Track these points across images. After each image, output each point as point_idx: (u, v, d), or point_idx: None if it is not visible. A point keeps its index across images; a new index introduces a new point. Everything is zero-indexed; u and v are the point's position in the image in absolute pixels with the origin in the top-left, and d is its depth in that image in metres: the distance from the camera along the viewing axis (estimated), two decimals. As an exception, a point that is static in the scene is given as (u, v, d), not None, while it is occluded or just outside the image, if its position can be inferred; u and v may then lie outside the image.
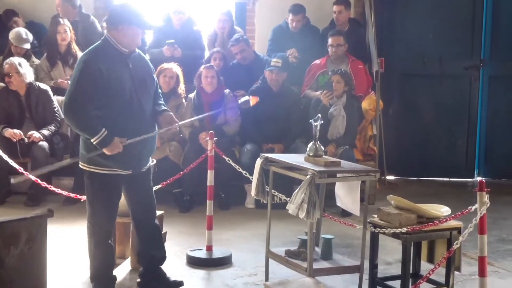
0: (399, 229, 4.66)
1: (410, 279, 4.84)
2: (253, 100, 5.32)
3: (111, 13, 4.78)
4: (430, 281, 4.76)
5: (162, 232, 5.68)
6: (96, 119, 4.51)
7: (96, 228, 4.75)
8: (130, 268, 5.49)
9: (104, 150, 4.52)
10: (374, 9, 8.55)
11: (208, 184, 5.90)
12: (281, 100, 7.73)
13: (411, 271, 4.89)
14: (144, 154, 4.81)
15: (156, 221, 5.08)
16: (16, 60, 7.62)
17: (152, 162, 5.03)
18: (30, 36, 8.23)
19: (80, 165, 4.75)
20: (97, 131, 4.48)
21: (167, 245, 5.78)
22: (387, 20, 9.23)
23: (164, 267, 5.13)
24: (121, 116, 4.60)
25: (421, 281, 4.47)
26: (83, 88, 4.48)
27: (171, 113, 4.91)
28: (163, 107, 4.93)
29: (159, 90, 5.01)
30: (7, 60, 7.63)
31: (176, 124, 4.93)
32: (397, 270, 5.28)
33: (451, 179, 9.33)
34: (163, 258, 5.10)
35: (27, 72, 7.64)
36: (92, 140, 4.51)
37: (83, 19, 8.52)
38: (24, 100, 7.63)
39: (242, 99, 5.44)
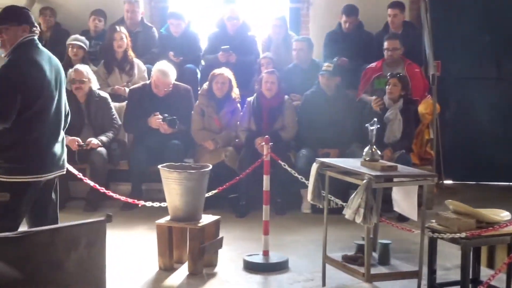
0: (458, 234, 4.61)
1: (470, 285, 4.78)
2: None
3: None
4: (490, 287, 4.68)
5: (219, 237, 5.73)
6: None
7: None
8: (188, 273, 5.52)
9: None
10: (429, 12, 8.46)
11: (264, 189, 5.90)
12: (336, 104, 7.70)
13: (470, 277, 4.82)
14: None
15: None
16: (83, 67, 7.75)
17: None
18: (86, 41, 8.40)
19: None
20: None
21: (224, 250, 5.83)
22: (443, 22, 9.11)
23: (222, 271, 5.13)
24: None
25: (482, 287, 4.40)
26: None
27: None
28: None
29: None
30: (75, 67, 7.72)
31: None
32: (455, 275, 5.20)
33: (510, 183, 9.17)
34: None
35: (93, 79, 7.78)
36: None
37: (145, 30, 8.74)
38: (84, 107, 7.71)
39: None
